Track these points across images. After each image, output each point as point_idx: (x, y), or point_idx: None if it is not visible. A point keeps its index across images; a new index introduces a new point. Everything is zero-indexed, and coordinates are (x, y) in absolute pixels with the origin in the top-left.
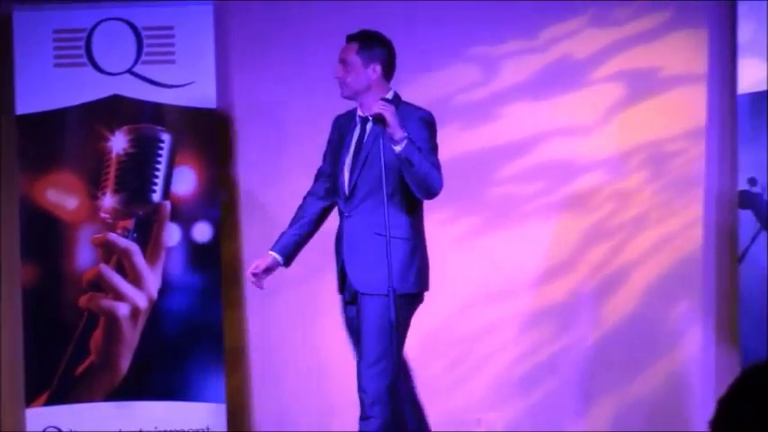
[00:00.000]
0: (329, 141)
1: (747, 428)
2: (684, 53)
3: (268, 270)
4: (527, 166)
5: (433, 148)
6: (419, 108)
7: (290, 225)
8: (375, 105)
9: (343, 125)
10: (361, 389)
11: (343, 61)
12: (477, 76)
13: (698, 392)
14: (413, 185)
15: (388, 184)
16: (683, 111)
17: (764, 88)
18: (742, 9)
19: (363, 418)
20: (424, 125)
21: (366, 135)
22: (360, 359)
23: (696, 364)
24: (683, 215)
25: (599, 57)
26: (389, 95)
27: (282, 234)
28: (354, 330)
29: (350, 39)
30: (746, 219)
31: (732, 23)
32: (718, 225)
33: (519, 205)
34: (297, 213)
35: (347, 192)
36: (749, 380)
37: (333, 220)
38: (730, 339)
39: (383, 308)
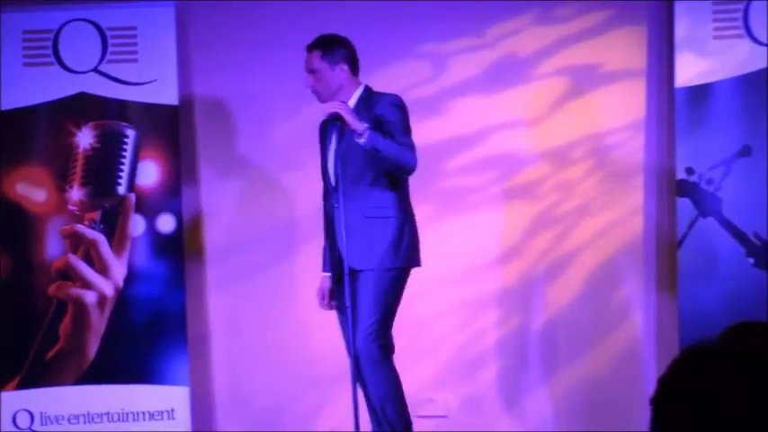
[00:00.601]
0: (320, 145)
1: (686, 404)
2: (624, 49)
3: (331, 291)
4: (475, 158)
5: (405, 129)
6: (388, 94)
7: (325, 237)
8: (329, 106)
9: (326, 127)
10: (356, 351)
11: (311, 71)
12: (426, 72)
13: (640, 371)
14: (387, 168)
15: (369, 171)
16: (624, 104)
17: (700, 82)
18: (679, 8)
19: (359, 379)
20: (395, 108)
21: (345, 130)
22: (355, 326)
23: (638, 344)
24: (624, 203)
25: (543, 53)
26: (360, 89)
27: (324, 250)
28: (341, 309)
29: (311, 47)
30: (684, 206)
31: (669, 21)
32: (657, 212)
33: (468, 195)
34: (324, 223)
35: (334, 184)
36: (687, 359)
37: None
38: (670, 321)
39: (379, 280)
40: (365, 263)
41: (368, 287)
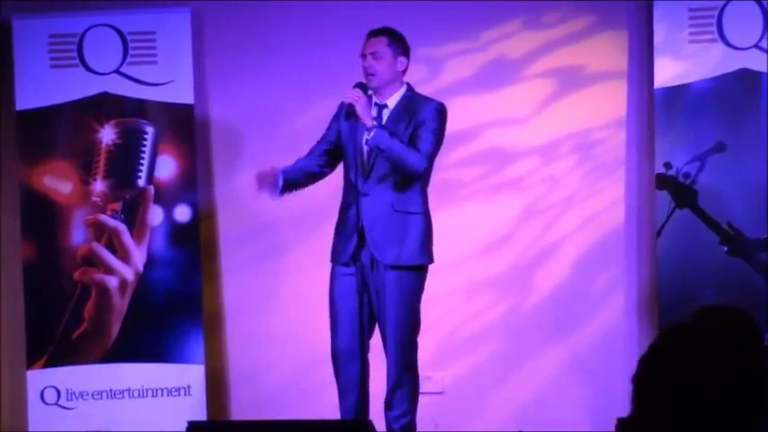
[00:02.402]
0: (333, 125)
1: (665, 383)
2: (607, 53)
3: (266, 176)
4: (469, 154)
5: (433, 132)
6: (433, 99)
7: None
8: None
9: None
10: (391, 362)
11: (374, 54)
12: (423, 74)
13: (621, 352)
14: (394, 167)
15: None
16: (606, 103)
17: (677, 83)
18: (657, 13)
19: (389, 407)
20: (436, 114)
21: (383, 120)
22: (388, 332)
23: (620, 326)
24: (606, 195)
25: (531, 56)
26: (404, 88)
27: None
28: (348, 298)
29: (377, 33)
30: (663, 198)
31: (648, 26)
32: (637, 204)
33: (462, 188)
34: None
35: (366, 171)
36: (665, 340)
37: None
38: (650, 305)
39: (412, 281)
40: (396, 257)
41: (396, 291)
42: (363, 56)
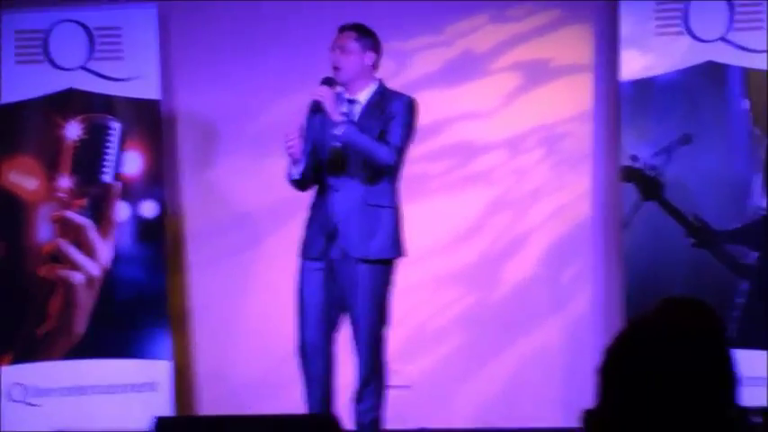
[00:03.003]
0: (307, 122)
1: (629, 375)
2: (573, 46)
3: (294, 153)
4: (436, 147)
5: (404, 126)
6: (404, 94)
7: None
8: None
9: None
10: (361, 356)
11: (341, 47)
12: (390, 68)
13: (588, 343)
14: (364, 160)
15: None
16: (573, 97)
17: (643, 76)
18: (623, 6)
19: (359, 400)
20: (407, 107)
21: (354, 115)
22: (359, 327)
23: (586, 318)
24: (573, 188)
25: (498, 50)
26: (376, 84)
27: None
28: (315, 293)
29: (346, 28)
30: (629, 191)
31: (615, 19)
32: (604, 197)
33: (430, 181)
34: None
35: (338, 165)
36: (630, 332)
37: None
38: (616, 296)
39: (383, 275)
40: (368, 251)
41: (368, 285)
42: (332, 49)
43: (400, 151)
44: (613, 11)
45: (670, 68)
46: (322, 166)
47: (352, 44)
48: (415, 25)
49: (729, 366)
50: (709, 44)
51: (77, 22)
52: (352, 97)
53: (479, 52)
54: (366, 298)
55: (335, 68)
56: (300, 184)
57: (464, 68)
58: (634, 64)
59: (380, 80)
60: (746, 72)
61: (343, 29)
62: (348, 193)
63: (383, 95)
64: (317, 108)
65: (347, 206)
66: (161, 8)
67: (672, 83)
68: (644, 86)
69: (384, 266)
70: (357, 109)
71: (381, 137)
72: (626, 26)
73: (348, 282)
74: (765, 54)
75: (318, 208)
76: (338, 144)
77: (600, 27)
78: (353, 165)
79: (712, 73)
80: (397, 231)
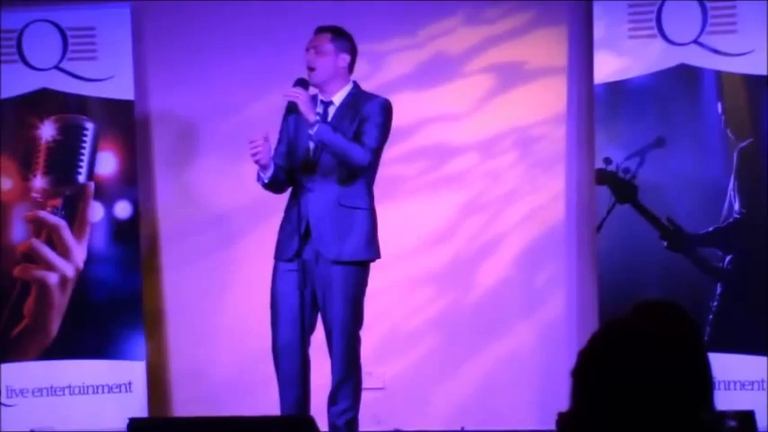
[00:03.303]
0: (283, 125)
1: (604, 376)
2: (547, 48)
3: (262, 158)
4: (410, 149)
5: (378, 126)
6: (378, 96)
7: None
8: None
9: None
10: (335, 358)
11: (315, 48)
12: (363, 69)
13: (562, 345)
14: (337, 160)
15: None
16: (546, 99)
17: (617, 79)
18: (597, 9)
19: (333, 401)
20: (381, 109)
21: (329, 117)
22: (333, 328)
23: (560, 320)
24: (547, 191)
25: (471, 52)
26: (350, 86)
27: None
28: (289, 294)
29: (322, 30)
30: (602, 194)
31: (588, 21)
32: (578, 199)
33: (404, 183)
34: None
35: (311, 166)
36: (604, 335)
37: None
38: (590, 299)
39: (357, 276)
40: (341, 252)
41: (342, 287)
42: (307, 50)
43: (375, 152)
44: (587, 13)
45: (643, 71)
46: (296, 167)
47: (327, 45)
48: (388, 27)
49: (704, 370)
50: (683, 47)
51: (51, 22)
52: (326, 99)
53: (453, 54)
54: (340, 299)
55: (310, 69)
56: (272, 187)
57: (438, 70)
58: (607, 66)
59: (355, 82)
60: (719, 75)
61: (318, 30)
62: (322, 194)
63: (357, 97)
64: (291, 109)
65: (321, 207)
66: (135, 8)
67: (645, 85)
68: (617, 89)
69: (358, 268)
70: (331, 110)
71: (356, 138)
72: (599, 29)
73: (322, 283)
74: (738, 57)
75: (292, 209)
76: (312, 144)
77: (573, 29)
78: (327, 166)
79: (685, 76)
80: (371, 233)
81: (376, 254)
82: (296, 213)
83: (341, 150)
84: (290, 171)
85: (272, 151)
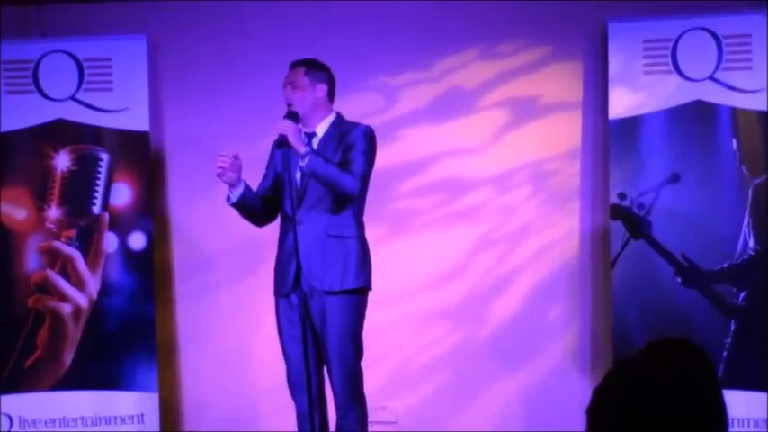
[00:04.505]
0: (270, 162)
1: (618, 414)
2: (561, 83)
3: (230, 177)
4: (423, 183)
5: (364, 154)
6: (361, 124)
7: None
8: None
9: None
10: (336, 390)
11: (291, 83)
12: (379, 103)
13: (575, 382)
14: (329, 190)
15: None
16: (561, 134)
17: (632, 114)
18: (612, 44)
19: (342, 417)
20: (364, 137)
21: (314, 147)
22: (331, 359)
23: (574, 357)
24: (561, 226)
25: (486, 86)
26: (333, 116)
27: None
28: (293, 328)
29: (296, 64)
30: (617, 229)
31: (604, 57)
32: (592, 235)
33: (417, 217)
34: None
35: (299, 198)
36: (619, 373)
37: (268, 226)
38: (603, 335)
39: (353, 306)
40: (333, 283)
41: (338, 317)
42: (284, 86)
43: (363, 179)
44: (602, 49)
45: (658, 107)
46: (284, 199)
47: (302, 79)
48: (403, 61)
49: (718, 407)
50: (698, 83)
51: (67, 53)
52: (309, 131)
53: (468, 88)
54: (337, 330)
55: (288, 105)
56: (241, 209)
57: (452, 105)
58: (622, 102)
59: (338, 112)
60: (735, 111)
61: (293, 65)
62: (310, 226)
63: (340, 126)
64: (281, 143)
65: (310, 239)
66: (150, 40)
67: (660, 121)
68: (632, 125)
69: (352, 297)
70: (315, 142)
71: (342, 166)
72: (614, 64)
73: (319, 315)
74: (753, 93)
75: (284, 244)
76: (299, 176)
77: (588, 64)
78: (314, 196)
79: (700, 112)
80: (361, 262)
81: (367, 282)
82: (287, 247)
83: (332, 180)
84: (271, 204)
85: (242, 174)
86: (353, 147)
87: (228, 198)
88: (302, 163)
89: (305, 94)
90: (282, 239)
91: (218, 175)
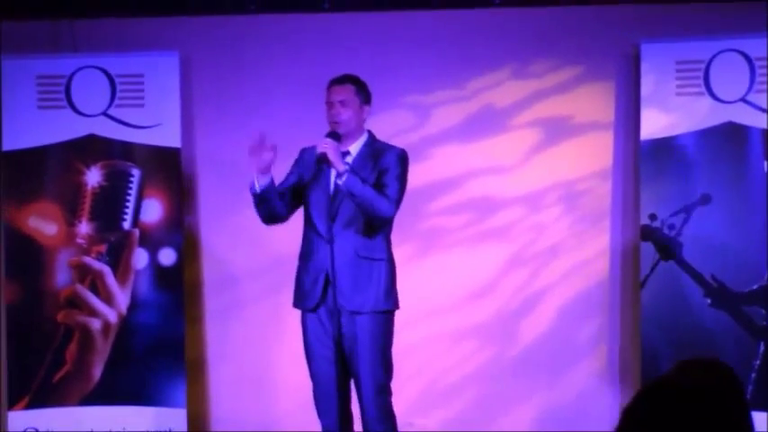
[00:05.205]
0: (295, 167)
1: None
2: (594, 103)
3: (264, 161)
4: (455, 201)
5: (398, 178)
6: (395, 147)
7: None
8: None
9: (311, 156)
10: (367, 411)
11: (342, 102)
12: (411, 121)
13: (604, 403)
14: (361, 212)
15: None
16: (593, 154)
17: (664, 135)
18: (645, 65)
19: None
20: (399, 161)
21: (352, 167)
22: (361, 379)
23: (604, 376)
24: (592, 246)
25: (519, 105)
26: (366, 135)
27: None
28: (321, 346)
29: (342, 81)
30: (647, 250)
31: (636, 78)
32: (622, 255)
33: (448, 235)
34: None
35: (332, 216)
36: (649, 392)
37: (298, 243)
38: (633, 355)
39: (383, 326)
40: (361, 304)
41: (368, 337)
42: (330, 104)
43: (397, 204)
44: (635, 69)
45: (690, 128)
46: (315, 215)
47: (353, 98)
48: (436, 79)
49: (747, 428)
50: (730, 105)
51: (100, 69)
52: (343, 149)
53: (500, 107)
54: (367, 349)
55: (335, 122)
56: (262, 203)
57: (484, 123)
58: (654, 123)
59: (369, 131)
60: (766, 133)
61: (338, 81)
62: (341, 245)
63: (373, 147)
64: (320, 159)
65: (340, 258)
66: (182, 56)
67: (692, 143)
68: (664, 145)
69: (382, 317)
70: (348, 160)
71: (377, 189)
72: (647, 85)
73: (349, 334)
74: None
75: (311, 258)
76: (332, 193)
77: (621, 85)
78: (348, 216)
79: (732, 134)
80: (389, 284)
81: (395, 305)
82: (316, 263)
83: (368, 201)
84: (286, 204)
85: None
86: (388, 171)
87: (252, 186)
88: (339, 181)
89: (354, 113)
90: (309, 254)
91: (250, 153)
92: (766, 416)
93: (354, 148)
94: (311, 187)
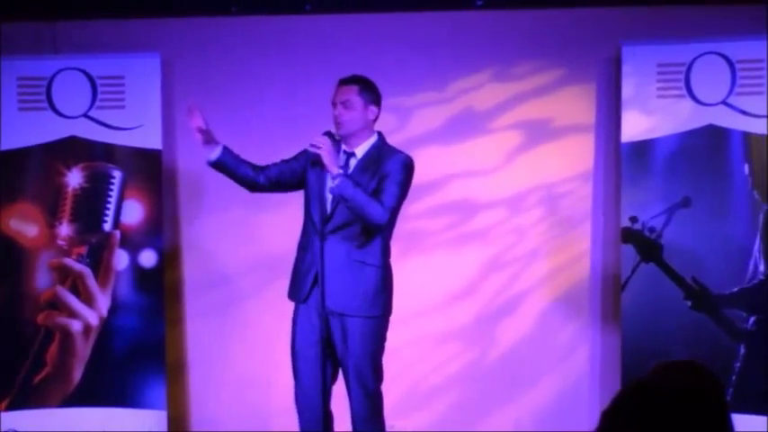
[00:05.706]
0: (302, 155)
1: None
2: (575, 105)
3: (206, 133)
4: (437, 203)
5: (398, 184)
6: (402, 153)
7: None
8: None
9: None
10: (355, 413)
11: (344, 102)
12: (392, 123)
13: (584, 404)
14: (355, 216)
15: None
16: (574, 156)
17: (644, 138)
18: (626, 68)
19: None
20: (402, 166)
21: (350, 169)
22: (352, 379)
23: (583, 379)
24: (572, 248)
25: (500, 108)
26: (375, 137)
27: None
28: (310, 349)
29: (347, 81)
30: (628, 252)
31: (617, 80)
32: (603, 258)
33: (428, 238)
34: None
35: (328, 213)
36: (628, 394)
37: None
38: (613, 359)
39: (372, 329)
40: (344, 306)
41: (357, 339)
42: (334, 104)
43: (393, 211)
44: (616, 72)
45: (671, 131)
46: (313, 213)
47: (356, 99)
48: (417, 82)
49: (726, 429)
50: (711, 107)
51: (81, 71)
52: (349, 150)
53: (481, 110)
54: (357, 352)
55: (338, 123)
56: (224, 173)
57: (465, 126)
58: (635, 125)
59: (379, 133)
60: (747, 136)
61: (344, 82)
62: (335, 246)
63: (381, 150)
64: (315, 161)
65: (331, 259)
66: (164, 58)
67: (672, 145)
68: (645, 148)
69: (373, 320)
70: (353, 162)
71: (375, 194)
72: (628, 87)
73: (340, 335)
74: (766, 119)
75: (305, 253)
76: (330, 196)
77: (602, 88)
78: (344, 219)
79: (713, 136)
80: (380, 290)
81: (384, 309)
82: (309, 259)
83: (360, 206)
84: (273, 180)
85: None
86: (389, 176)
87: (207, 157)
88: (332, 184)
89: (356, 114)
90: (305, 248)
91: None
92: (766, 420)
93: (361, 150)
94: (310, 182)
